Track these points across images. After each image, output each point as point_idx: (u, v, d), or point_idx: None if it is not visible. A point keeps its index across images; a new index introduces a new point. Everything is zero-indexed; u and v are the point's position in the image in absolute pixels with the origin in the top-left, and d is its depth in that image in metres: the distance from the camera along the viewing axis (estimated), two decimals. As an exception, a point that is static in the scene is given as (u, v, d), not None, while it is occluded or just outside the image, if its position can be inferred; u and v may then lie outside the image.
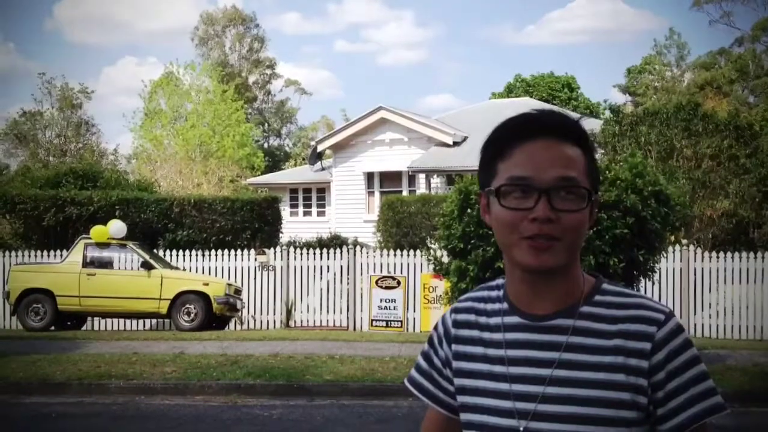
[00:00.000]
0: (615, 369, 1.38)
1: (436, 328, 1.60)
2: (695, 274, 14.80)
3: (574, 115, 1.56)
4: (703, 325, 14.69)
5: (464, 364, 1.51)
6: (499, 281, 1.54)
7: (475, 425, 1.48)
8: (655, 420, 1.39)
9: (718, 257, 14.90)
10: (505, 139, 1.45)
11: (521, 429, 1.40)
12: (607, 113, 23.96)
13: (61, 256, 15.79)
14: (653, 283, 12.74)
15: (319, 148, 26.34)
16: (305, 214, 27.35)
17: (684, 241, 15.48)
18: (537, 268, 1.40)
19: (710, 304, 14.77)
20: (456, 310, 1.56)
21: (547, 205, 1.37)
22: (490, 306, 1.51)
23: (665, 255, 12.29)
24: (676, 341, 1.39)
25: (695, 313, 14.72)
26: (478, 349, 1.49)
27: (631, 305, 1.42)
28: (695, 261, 14.84)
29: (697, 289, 14.79)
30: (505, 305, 1.49)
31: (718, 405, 1.38)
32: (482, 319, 1.51)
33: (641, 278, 9.89)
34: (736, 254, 14.91)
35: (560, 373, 1.40)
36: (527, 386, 1.41)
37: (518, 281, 1.45)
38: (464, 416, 1.51)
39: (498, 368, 1.45)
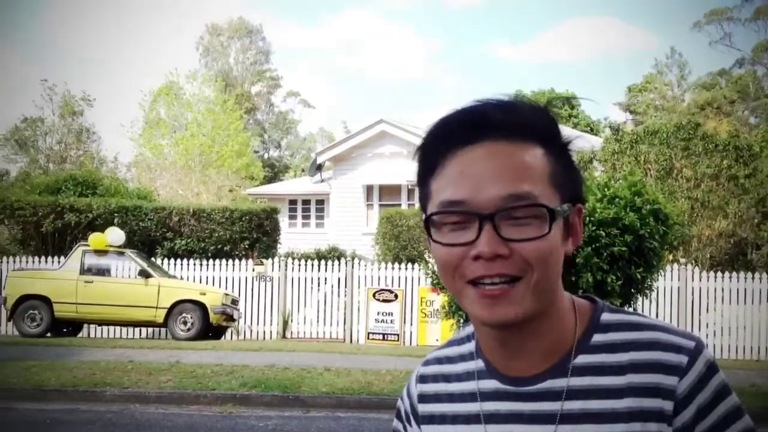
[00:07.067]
0: None
1: (402, 398, 1.24)
2: (693, 294, 14.80)
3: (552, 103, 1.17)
4: (699, 344, 14.68)
5: None
6: (470, 330, 1.16)
7: None
8: None
9: (716, 277, 14.92)
10: (434, 147, 1.06)
11: None
12: (607, 131, 24.07)
13: (59, 262, 15.78)
14: (650, 302, 12.75)
15: (319, 160, 26.36)
16: (304, 225, 27.34)
17: (682, 260, 15.49)
18: (493, 324, 1.03)
19: (707, 324, 14.77)
20: (422, 379, 1.19)
21: (494, 236, 0.98)
22: (461, 366, 1.15)
23: (663, 274, 12.29)
24: (706, 392, 1.02)
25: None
26: (452, 429, 1.13)
27: (642, 344, 1.05)
28: (693, 280, 14.85)
29: (695, 309, 14.79)
30: (480, 363, 1.13)
31: None
32: (453, 386, 1.15)
33: (638, 296, 9.90)
34: (734, 274, 14.93)
35: None
36: None
37: (486, 336, 1.10)
38: None
39: None
